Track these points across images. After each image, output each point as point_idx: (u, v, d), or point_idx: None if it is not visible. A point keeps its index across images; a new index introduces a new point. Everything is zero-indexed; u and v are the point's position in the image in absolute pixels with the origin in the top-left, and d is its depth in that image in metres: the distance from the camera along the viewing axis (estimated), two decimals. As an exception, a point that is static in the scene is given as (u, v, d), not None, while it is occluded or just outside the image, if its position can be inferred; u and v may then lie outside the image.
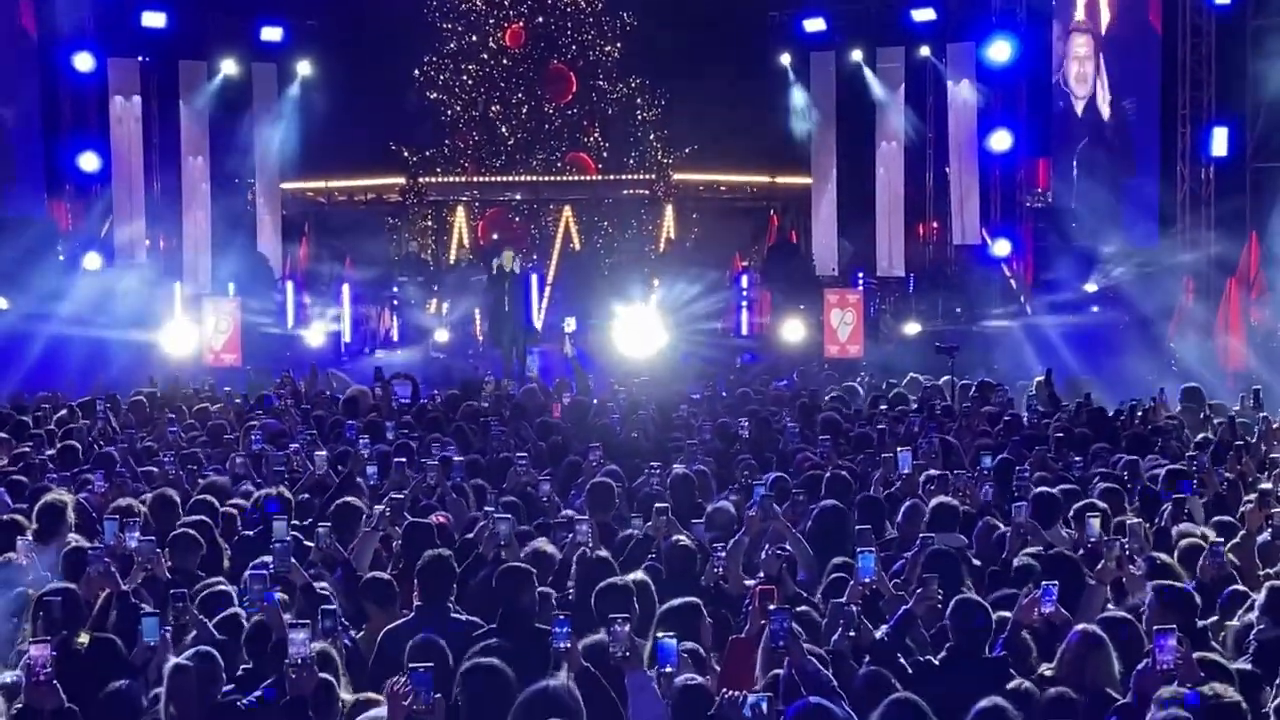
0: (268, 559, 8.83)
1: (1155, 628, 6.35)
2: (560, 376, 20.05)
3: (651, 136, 29.05)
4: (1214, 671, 6.77)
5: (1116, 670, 7.00)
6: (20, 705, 6.61)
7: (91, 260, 25.14)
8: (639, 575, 8.35)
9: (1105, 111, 24.67)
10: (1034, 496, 10.18)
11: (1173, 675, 6.50)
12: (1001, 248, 25.76)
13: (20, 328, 22.15)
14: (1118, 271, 23.74)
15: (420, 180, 28.37)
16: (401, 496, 10.45)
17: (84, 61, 25.17)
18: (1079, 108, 24.87)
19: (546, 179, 28.84)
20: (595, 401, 17.05)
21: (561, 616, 6.82)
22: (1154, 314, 22.36)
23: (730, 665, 7.44)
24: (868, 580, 8.11)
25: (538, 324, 23.76)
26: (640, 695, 6.40)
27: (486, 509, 10.33)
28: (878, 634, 7.54)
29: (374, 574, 8.74)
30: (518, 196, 29.39)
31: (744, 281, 25.95)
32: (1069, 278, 23.80)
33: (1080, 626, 7.24)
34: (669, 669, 6.62)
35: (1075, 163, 24.70)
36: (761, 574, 8.47)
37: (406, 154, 28.30)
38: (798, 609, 7.69)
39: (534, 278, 24.48)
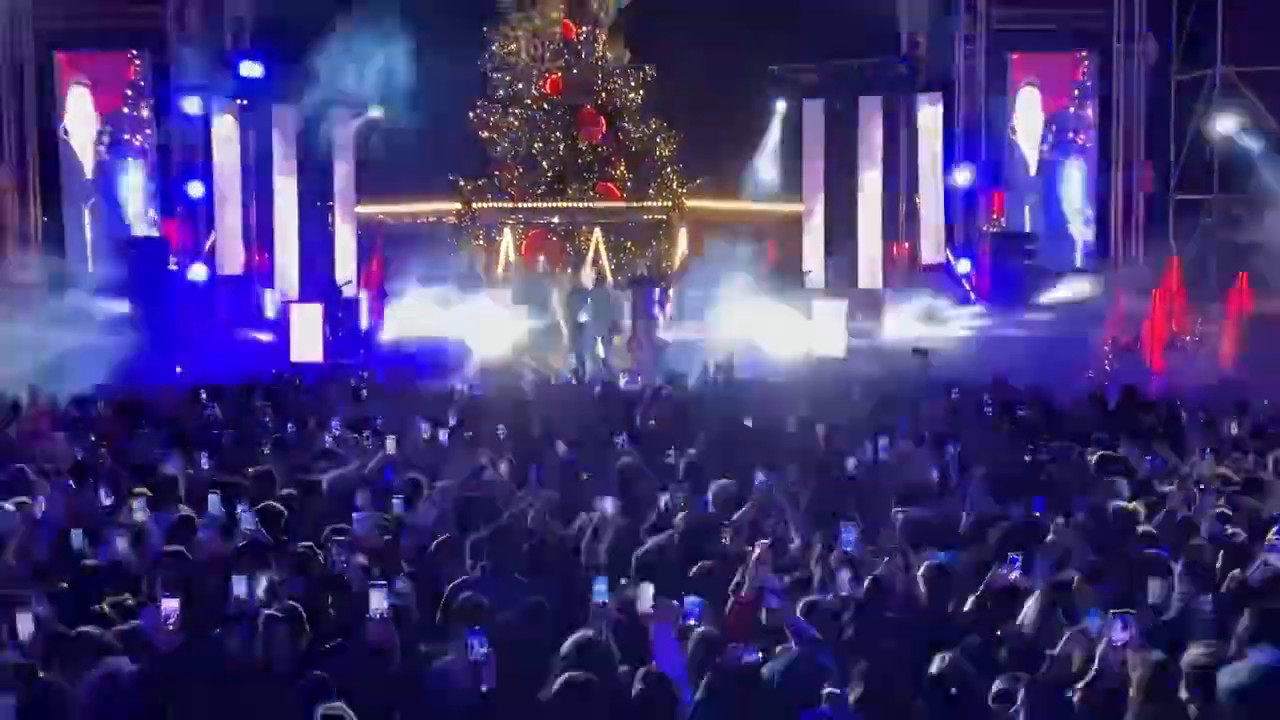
0: (345, 525, 8.90)
1: (1112, 611, 6.22)
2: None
3: (668, 170, 29.04)
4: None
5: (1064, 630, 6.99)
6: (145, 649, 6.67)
7: (197, 271, 25.24)
8: (660, 539, 8.41)
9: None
10: (991, 477, 10.25)
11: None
12: (963, 266, 25.75)
13: (138, 329, 22.23)
14: (1062, 288, 23.72)
15: (473, 206, 28.37)
16: (457, 479, 10.49)
17: (193, 105, 25.28)
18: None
19: (579, 205, 28.81)
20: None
21: (600, 575, 6.86)
22: (1092, 326, 22.32)
23: (733, 620, 7.48)
24: (850, 551, 8.15)
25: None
26: (663, 645, 6.45)
27: (519, 493, 10.36)
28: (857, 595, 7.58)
29: (444, 539, 8.73)
30: (555, 220, 29.37)
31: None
32: (1021, 292, 23.77)
33: (1039, 593, 7.24)
34: (692, 622, 6.66)
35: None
36: (762, 542, 8.50)
37: (462, 183, 28.32)
38: (791, 573, 7.75)
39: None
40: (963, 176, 25.74)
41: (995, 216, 26.51)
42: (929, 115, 25.97)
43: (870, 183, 26.59)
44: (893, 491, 9.96)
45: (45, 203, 25.19)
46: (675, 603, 7.21)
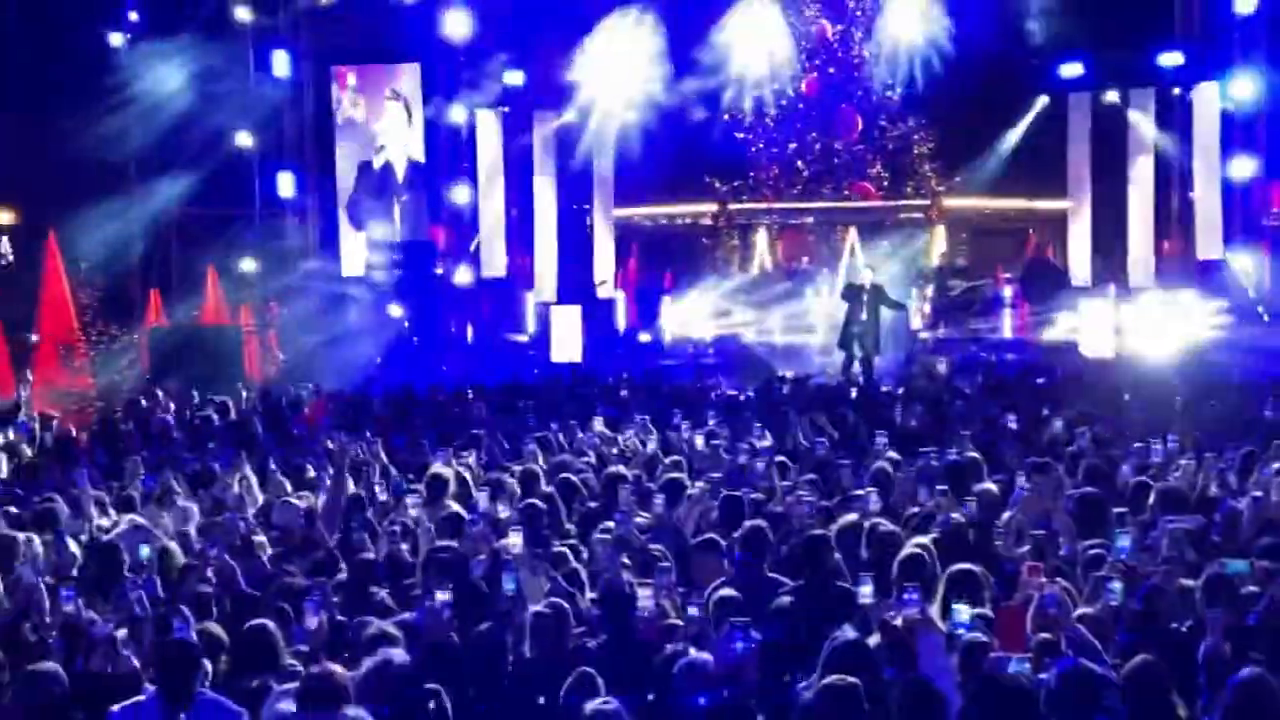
0: (609, 523, 9.00)
1: None
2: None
3: (926, 168, 28.58)
4: None
5: None
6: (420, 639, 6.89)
7: (462, 274, 25.96)
8: (924, 541, 8.23)
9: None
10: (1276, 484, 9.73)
11: None
12: (1241, 262, 24.54)
13: (408, 331, 23.06)
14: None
15: (729, 206, 28.56)
16: (719, 475, 10.51)
17: (458, 114, 26.05)
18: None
19: (835, 205, 28.67)
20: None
21: (866, 577, 6.76)
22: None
23: (1002, 628, 7.26)
24: (1125, 559, 7.83)
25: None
26: (930, 651, 6.31)
27: (785, 484, 10.31)
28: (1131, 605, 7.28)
29: (704, 538, 8.73)
30: (810, 220, 29.28)
31: (1006, 291, 25.37)
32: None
33: None
34: (960, 631, 6.51)
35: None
36: (1026, 547, 8.27)
37: (718, 184, 28.50)
38: (1060, 580, 7.47)
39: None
40: (1242, 168, 24.50)
41: (1276, 210, 25.19)
42: (1205, 104, 24.80)
43: (1141, 177, 25.58)
44: (1166, 497, 9.53)
45: (322, 209, 26.28)
46: (941, 607, 7.05)
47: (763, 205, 28.70)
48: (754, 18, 27.72)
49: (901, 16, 27.26)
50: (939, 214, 28.19)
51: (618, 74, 26.44)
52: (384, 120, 25.40)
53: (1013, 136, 27.38)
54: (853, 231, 28.52)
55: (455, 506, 9.72)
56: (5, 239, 26.45)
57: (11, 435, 14.02)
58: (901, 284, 25.15)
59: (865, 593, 6.68)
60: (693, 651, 6.70)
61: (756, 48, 27.84)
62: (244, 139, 24.69)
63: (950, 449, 11.74)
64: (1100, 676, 5.85)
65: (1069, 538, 8.77)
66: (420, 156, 25.41)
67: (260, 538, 9.22)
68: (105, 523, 9.94)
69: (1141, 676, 6.04)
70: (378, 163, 25.31)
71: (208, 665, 6.69)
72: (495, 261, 26.41)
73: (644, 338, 24.89)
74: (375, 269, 24.47)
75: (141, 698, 6.37)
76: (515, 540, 8.13)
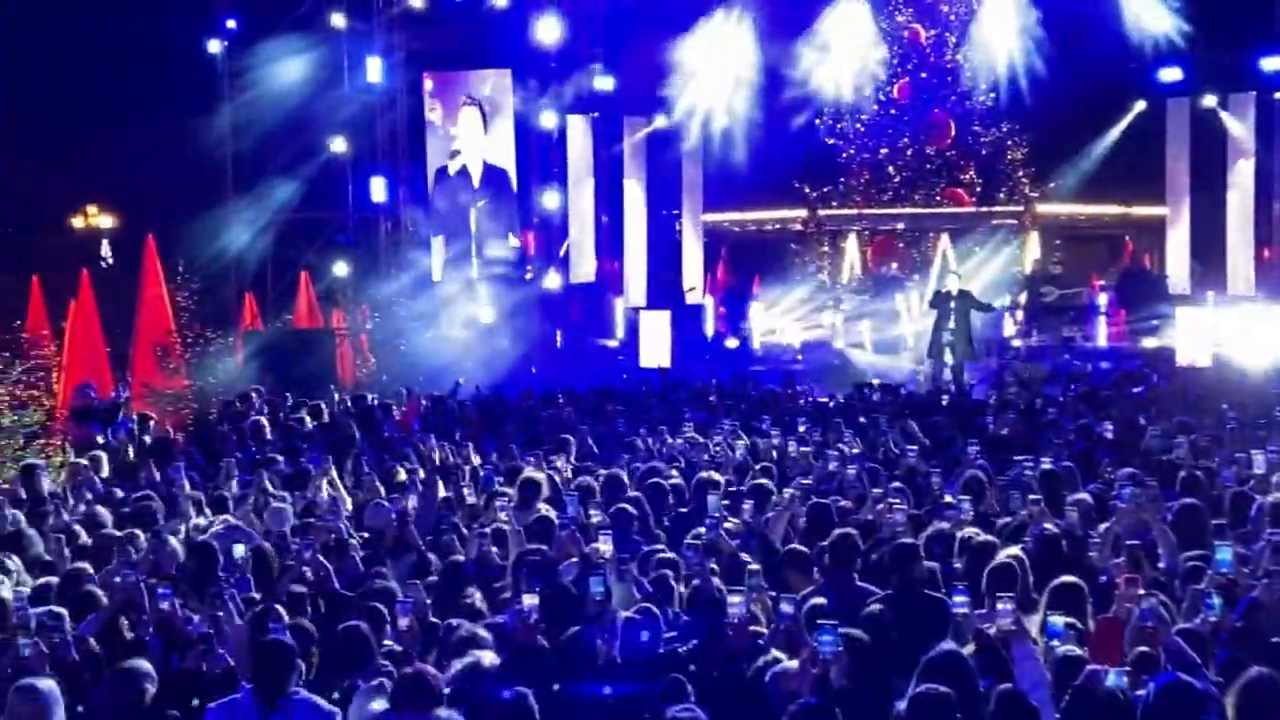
0: (699, 530, 8.96)
1: None
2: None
3: (1019, 174, 28.25)
4: None
5: None
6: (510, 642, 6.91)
7: (552, 279, 26.03)
8: (1016, 551, 8.11)
9: None
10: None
11: None
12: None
13: (497, 335, 23.16)
14: None
15: (819, 212, 28.42)
16: (809, 481, 10.44)
17: (548, 120, 26.13)
18: None
19: (926, 211, 28.42)
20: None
21: (960, 587, 6.68)
22: None
23: (1098, 641, 7.14)
24: (1225, 572, 7.66)
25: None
26: (1025, 663, 6.22)
27: (876, 491, 10.21)
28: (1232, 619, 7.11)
29: (794, 546, 8.68)
30: (901, 226, 29.04)
31: (1101, 299, 25.00)
32: None
33: None
34: (1055, 643, 6.41)
35: None
36: (1121, 559, 8.10)
37: (807, 190, 28.37)
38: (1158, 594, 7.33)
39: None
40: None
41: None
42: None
43: (1241, 182, 25.10)
44: (1271, 509, 9.31)
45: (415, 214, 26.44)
46: (1035, 619, 6.95)
47: (853, 211, 28.53)
48: (846, 23, 27.53)
49: (995, 21, 26.98)
50: (1032, 220, 27.87)
51: (708, 80, 26.40)
52: (460, 125, 25.47)
53: (1108, 141, 26.99)
54: (944, 238, 28.26)
55: (546, 510, 9.74)
56: (106, 243, 26.98)
57: (113, 436, 14.28)
58: (994, 291, 24.88)
59: (960, 603, 6.58)
60: (784, 659, 6.67)
61: (849, 53, 27.64)
62: (338, 144, 24.92)
63: (1043, 457, 11.56)
64: (1201, 691, 5.72)
65: (1168, 550, 8.60)
66: (498, 160, 25.39)
67: (353, 539, 9.30)
68: (202, 522, 10.09)
69: (1257, 690, 5.86)
70: (453, 168, 25.36)
71: (301, 665, 6.75)
72: (584, 266, 26.45)
73: (732, 343, 24.83)
74: (465, 274, 24.59)
75: (237, 696, 6.45)
76: (605, 545, 8.13)
